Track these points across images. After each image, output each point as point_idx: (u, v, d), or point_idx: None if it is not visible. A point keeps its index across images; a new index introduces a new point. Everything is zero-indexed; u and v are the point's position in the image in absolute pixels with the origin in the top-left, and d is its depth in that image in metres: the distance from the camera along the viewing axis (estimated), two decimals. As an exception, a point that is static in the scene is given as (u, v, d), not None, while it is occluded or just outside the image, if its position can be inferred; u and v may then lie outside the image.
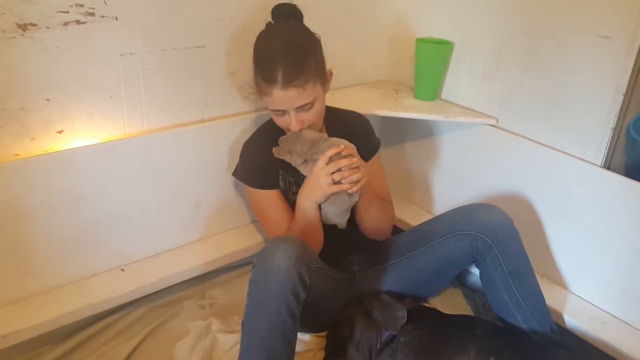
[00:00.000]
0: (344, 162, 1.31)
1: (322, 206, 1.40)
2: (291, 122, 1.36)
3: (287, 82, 1.30)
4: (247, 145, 1.52)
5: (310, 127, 1.40)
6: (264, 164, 1.47)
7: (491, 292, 1.43)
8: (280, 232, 1.47)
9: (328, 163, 1.32)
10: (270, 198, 1.49)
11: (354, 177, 1.32)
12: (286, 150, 1.37)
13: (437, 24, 1.79)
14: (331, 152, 1.32)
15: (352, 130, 1.54)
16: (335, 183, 1.32)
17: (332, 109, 1.55)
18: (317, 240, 1.45)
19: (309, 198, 1.38)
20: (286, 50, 1.32)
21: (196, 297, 1.66)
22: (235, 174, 1.57)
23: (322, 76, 1.38)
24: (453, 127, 1.78)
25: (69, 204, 1.38)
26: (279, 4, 1.39)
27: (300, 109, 1.35)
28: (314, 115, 1.38)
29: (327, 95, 1.44)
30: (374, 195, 1.51)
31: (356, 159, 1.34)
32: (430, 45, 1.74)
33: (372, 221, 1.52)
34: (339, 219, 1.42)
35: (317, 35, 1.40)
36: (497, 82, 1.66)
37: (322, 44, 1.40)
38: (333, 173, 1.32)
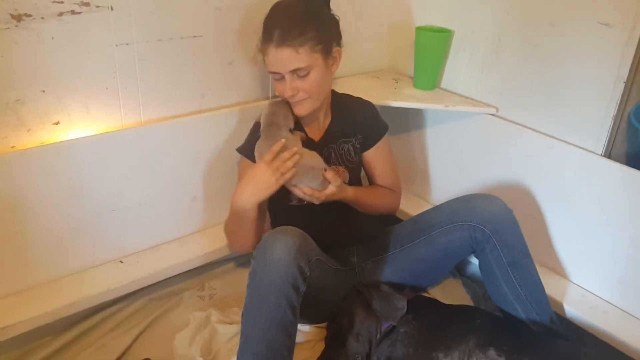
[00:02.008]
0: (286, 155, 1.32)
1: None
2: (285, 88, 1.37)
3: (281, 41, 1.32)
4: (256, 123, 1.50)
5: (308, 99, 1.40)
6: None
7: (490, 282, 1.43)
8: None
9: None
10: None
11: (290, 164, 1.32)
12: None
13: (437, 12, 1.77)
14: (276, 147, 1.33)
15: (358, 114, 1.54)
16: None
17: (338, 94, 1.56)
18: (250, 238, 1.45)
19: (251, 196, 1.34)
20: (288, 13, 1.36)
21: (196, 288, 1.66)
22: (239, 148, 1.53)
23: (325, 47, 1.37)
24: (453, 116, 1.77)
25: (66, 196, 1.37)
26: None
27: (294, 74, 1.35)
28: (309, 84, 1.37)
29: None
30: (369, 201, 1.54)
31: (297, 149, 1.34)
32: (430, 34, 1.73)
33: (372, 213, 1.56)
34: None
35: (336, 16, 1.42)
36: (496, 71, 1.65)
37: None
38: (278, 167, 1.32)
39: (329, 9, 1.43)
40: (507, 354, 1.23)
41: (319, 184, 1.36)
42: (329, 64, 1.41)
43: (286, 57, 1.33)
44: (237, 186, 1.40)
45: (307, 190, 1.36)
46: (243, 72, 1.62)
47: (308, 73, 1.36)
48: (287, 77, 1.36)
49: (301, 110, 1.43)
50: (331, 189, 1.37)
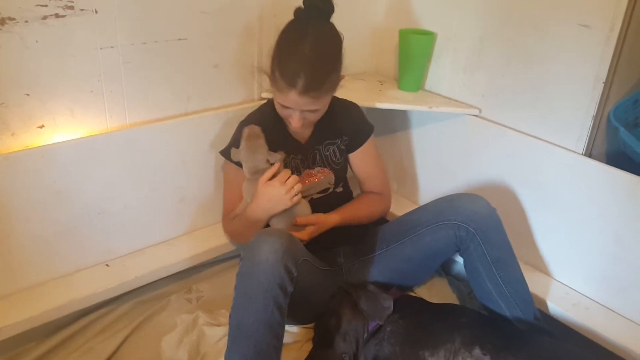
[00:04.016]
0: (294, 177, 1.40)
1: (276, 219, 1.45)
2: (293, 119, 1.39)
3: (305, 91, 1.31)
4: (241, 124, 1.52)
5: (310, 123, 1.46)
6: None
7: (475, 280, 1.44)
8: (226, 211, 1.56)
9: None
10: (238, 176, 1.50)
11: (297, 188, 1.41)
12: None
13: (420, 15, 1.79)
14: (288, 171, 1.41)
15: (343, 116, 1.56)
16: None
17: None
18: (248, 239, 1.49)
19: (266, 211, 1.42)
20: (314, 59, 1.32)
21: (183, 291, 1.66)
22: (222, 151, 1.54)
23: (337, 85, 1.40)
24: (437, 117, 1.79)
25: (52, 200, 1.37)
26: None
27: (308, 111, 1.38)
28: (317, 115, 1.42)
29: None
30: (357, 217, 1.57)
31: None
32: (414, 36, 1.74)
33: (364, 223, 1.60)
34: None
35: (341, 35, 1.40)
36: (479, 72, 1.67)
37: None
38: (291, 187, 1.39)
39: (338, 33, 1.40)
40: (492, 352, 1.25)
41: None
42: (335, 91, 1.43)
43: (306, 104, 1.35)
44: (253, 201, 1.43)
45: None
46: (228, 75, 1.62)
47: (319, 109, 1.39)
48: (297, 112, 1.38)
49: (302, 130, 1.48)
50: (310, 229, 1.42)
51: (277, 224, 1.45)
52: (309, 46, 1.32)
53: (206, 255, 1.65)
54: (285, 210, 1.43)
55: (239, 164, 1.46)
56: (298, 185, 1.41)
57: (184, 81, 1.54)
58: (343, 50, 1.40)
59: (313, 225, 1.45)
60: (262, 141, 1.42)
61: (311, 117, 1.41)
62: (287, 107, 1.38)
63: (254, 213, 1.43)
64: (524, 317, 1.40)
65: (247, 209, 1.45)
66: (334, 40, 1.38)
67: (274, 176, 1.40)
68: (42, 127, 1.34)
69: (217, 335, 1.45)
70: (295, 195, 1.40)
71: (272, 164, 1.42)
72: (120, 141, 1.45)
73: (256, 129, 1.43)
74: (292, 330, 1.50)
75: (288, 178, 1.40)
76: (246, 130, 1.43)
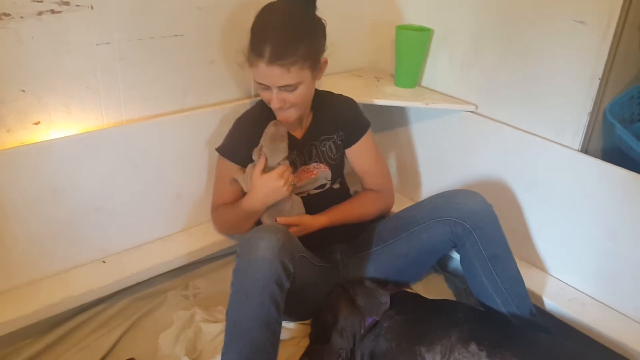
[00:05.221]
0: (288, 168, 1.43)
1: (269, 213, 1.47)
2: (272, 99, 1.38)
3: (273, 60, 1.31)
4: (237, 120, 1.52)
5: (293, 109, 1.42)
6: (247, 138, 1.47)
7: (471, 276, 1.44)
8: (215, 205, 1.57)
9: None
10: (230, 171, 1.50)
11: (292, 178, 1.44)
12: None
13: (417, 11, 1.79)
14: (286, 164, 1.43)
15: (339, 111, 1.56)
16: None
17: (319, 92, 1.56)
18: (246, 230, 1.50)
19: (264, 203, 1.43)
20: (280, 27, 1.33)
21: (180, 287, 1.66)
22: (218, 148, 1.54)
23: (313, 62, 1.38)
24: (433, 114, 1.79)
25: (48, 196, 1.37)
26: None
27: (283, 88, 1.36)
28: (297, 98, 1.39)
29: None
30: (349, 218, 1.57)
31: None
32: (410, 33, 1.74)
33: (360, 222, 1.60)
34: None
35: (323, 21, 1.41)
36: (476, 68, 1.67)
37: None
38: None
39: (315, 10, 1.41)
40: (488, 348, 1.25)
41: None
42: (316, 74, 1.42)
43: (277, 76, 1.33)
44: (250, 191, 1.43)
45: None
46: (225, 72, 1.62)
47: (296, 88, 1.37)
48: (275, 90, 1.37)
49: (286, 118, 1.45)
50: (292, 230, 1.42)
51: (267, 220, 1.46)
52: (276, 17, 1.35)
53: (203, 252, 1.65)
54: (277, 206, 1.44)
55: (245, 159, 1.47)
56: (292, 175, 1.43)
57: (180, 77, 1.54)
58: (326, 38, 1.42)
59: (296, 227, 1.45)
60: (285, 144, 1.43)
61: (291, 99, 1.38)
62: (265, 88, 1.38)
63: (251, 205, 1.44)
64: (520, 312, 1.41)
65: (243, 201, 1.45)
66: (307, 16, 1.38)
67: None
68: (38, 123, 1.33)
69: (214, 331, 1.46)
70: (292, 184, 1.42)
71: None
72: (117, 137, 1.44)
73: (282, 130, 1.43)
74: (289, 327, 1.50)
75: (284, 171, 1.41)
76: (273, 129, 1.43)
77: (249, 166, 1.46)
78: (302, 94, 1.39)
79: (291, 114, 1.43)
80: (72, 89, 1.35)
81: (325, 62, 1.44)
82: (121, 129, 1.45)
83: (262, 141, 1.43)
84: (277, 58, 1.31)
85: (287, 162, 1.44)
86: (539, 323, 1.42)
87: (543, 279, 1.58)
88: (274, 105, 1.39)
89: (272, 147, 1.42)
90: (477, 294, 1.46)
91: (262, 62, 1.32)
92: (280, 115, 1.44)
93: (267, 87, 1.37)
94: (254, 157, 1.45)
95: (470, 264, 1.42)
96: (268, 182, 1.40)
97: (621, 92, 1.47)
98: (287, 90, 1.36)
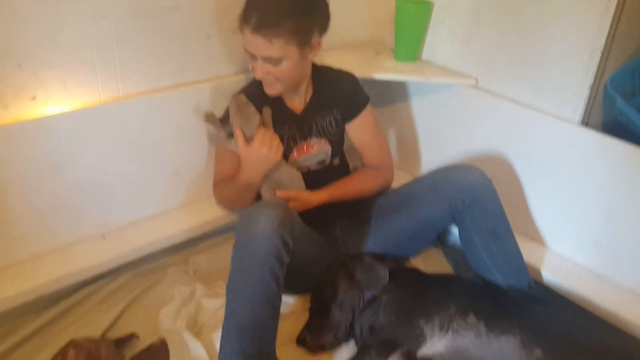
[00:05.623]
0: (271, 134, 1.41)
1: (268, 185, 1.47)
2: (255, 69, 1.38)
3: (256, 29, 1.30)
4: (238, 92, 1.51)
5: (276, 82, 1.41)
6: None
7: (470, 251, 1.45)
8: (217, 180, 1.56)
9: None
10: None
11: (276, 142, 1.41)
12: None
13: (417, -17, 1.77)
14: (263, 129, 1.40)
15: (339, 86, 1.55)
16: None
17: (318, 67, 1.55)
18: (247, 203, 1.50)
19: (257, 173, 1.42)
20: None
21: (180, 263, 1.67)
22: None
23: (303, 39, 1.36)
24: (433, 88, 1.78)
25: (46, 172, 1.36)
26: None
27: (266, 60, 1.35)
28: (281, 72, 1.38)
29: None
30: (349, 194, 1.55)
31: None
32: (410, 6, 1.72)
33: (360, 198, 1.58)
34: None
35: (326, 1, 1.38)
36: (476, 42, 1.65)
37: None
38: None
39: None
40: (486, 318, 1.26)
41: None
42: (306, 52, 1.39)
43: (259, 45, 1.33)
44: (242, 166, 1.43)
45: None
46: (222, 46, 1.60)
47: (280, 62, 1.36)
48: (260, 60, 1.36)
49: (270, 91, 1.44)
50: (291, 205, 1.40)
51: (266, 193, 1.46)
52: None
53: (203, 228, 1.65)
54: (275, 178, 1.44)
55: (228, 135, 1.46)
56: (276, 139, 1.40)
57: (177, 52, 1.52)
58: (322, 15, 1.39)
59: (296, 202, 1.44)
60: (252, 109, 1.42)
61: (275, 73, 1.37)
62: (252, 57, 1.37)
63: (246, 177, 1.43)
64: (519, 286, 1.42)
65: (239, 174, 1.45)
66: None
67: None
68: (34, 98, 1.32)
69: (214, 306, 1.46)
70: (277, 148, 1.40)
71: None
72: (114, 113, 1.43)
73: (242, 98, 1.42)
74: (288, 301, 1.51)
75: (265, 136, 1.39)
76: (234, 101, 1.41)
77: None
78: (286, 70, 1.38)
79: (275, 88, 1.43)
80: (68, 63, 1.34)
81: (319, 41, 1.41)
82: (118, 104, 1.44)
83: (231, 119, 1.42)
84: (261, 27, 1.30)
85: (262, 126, 1.42)
86: (537, 296, 1.43)
87: (542, 252, 1.59)
88: (257, 75, 1.39)
89: (241, 117, 1.41)
90: (476, 268, 1.47)
91: (248, 29, 1.32)
92: (265, 88, 1.43)
93: (254, 56, 1.37)
94: (226, 133, 1.45)
95: (470, 239, 1.42)
96: (252, 153, 1.39)
97: (623, 65, 1.45)
98: (271, 62, 1.35)
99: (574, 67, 1.44)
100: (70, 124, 1.36)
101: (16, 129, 1.29)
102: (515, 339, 1.21)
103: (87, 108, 1.39)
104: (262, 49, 1.33)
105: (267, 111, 1.46)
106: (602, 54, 1.38)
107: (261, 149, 1.37)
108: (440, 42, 1.76)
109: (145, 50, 1.45)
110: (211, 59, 1.60)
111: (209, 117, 1.47)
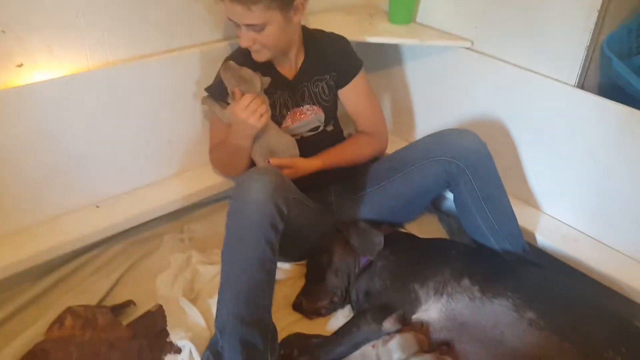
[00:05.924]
0: (258, 101, 1.36)
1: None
2: (240, 37, 1.36)
3: None
4: (226, 60, 1.48)
5: (263, 49, 1.39)
6: None
7: (465, 215, 1.45)
8: (212, 145, 1.58)
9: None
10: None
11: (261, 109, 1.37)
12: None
13: (411, -58, 1.72)
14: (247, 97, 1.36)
15: (331, 51, 1.52)
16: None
17: (309, 31, 1.52)
18: (245, 166, 1.49)
19: (243, 136, 1.41)
20: None
21: (175, 231, 1.67)
22: (207, 87, 1.52)
23: (283, 3, 1.32)
24: (428, 51, 1.75)
25: (36, 141, 1.34)
26: None
27: (250, 27, 1.33)
28: (266, 39, 1.36)
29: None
30: (343, 160, 1.55)
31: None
32: (404, -35, 1.68)
33: (354, 165, 1.57)
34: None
35: None
36: (472, 3, 1.62)
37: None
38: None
39: None
40: (480, 282, 1.27)
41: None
42: (290, 15, 1.36)
43: (239, 13, 1.30)
44: (231, 129, 1.42)
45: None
46: (213, 10, 1.56)
47: (263, 28, 1.33)
48: (243, 28, 1.33)
49: (259, 58, 1.42)
50: (285, 172, 1.39)
51: (260, 159, 1.45)
52: None
53: (197, 196, 1.64)
54: (267, 145, 1.43)
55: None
56: (262, 106, 1.37)
57: (166, 16, 1.48)
58: None
59: (289, 169, 1.43)
60: (249, 72, 1.40)
61: (260, 39, 1.35)
62: (236, 25, 1.35)
63: (234, 139, 1.43)
64: (513, 250, 1.42)
65: (229, 137, 1.44)
66: None
67: None
68: (20, 65, 1.29)
69: (210, 273, 1.47)
70: (262, 115, 1.37)
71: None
72: (103, 79, 1.41)
73: (232, 63, 1.41)
74: (284, 267, 1.52)
75: (250, 102, 1.36)
76: (231, 68, 1.40)
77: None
78: (271, 35, 1.35)
79: (263, 55, 1.41)
80: (53, 29, 1.31)
81: (303, 3, 1.38)
82: (107, 70, 1.41)
83: (229, 84, 1.41)
84: None
85: (262, 93, 1.41)
86: (531, 260, 1.44)
87: (537, 216, 1.59)
88: (242, 43, 1.37)
89: (243, 82, 1.39)
90: (471, 232, 1.47)
91: None
92: (253, 55, 1.41)
93: (238, 25, 1.34)
94: (230, 100, 1.42)
95: (464, 203, 1.42)
96: (237, 117, 1.38)
97: (619, 25, 1.43)
98: (254, 29, 1.33)
99: (570, 27, 1.41)
100: (58, 91, 1.34)
101: (3, 95, 1.27)
102: (508, 301, 1.22)
103: (75, 74, 1.36)
104: (243, 17, 1.30)
105: (266, 80, 1.43)
106: (599, 13, 1.36)
107: (242, 114, 1.36)
108: (435, 3, 1.72)
109: (134, 14, 1.42)
110: (202, 23, 1.56)
111: (205, 100, 1.48)
